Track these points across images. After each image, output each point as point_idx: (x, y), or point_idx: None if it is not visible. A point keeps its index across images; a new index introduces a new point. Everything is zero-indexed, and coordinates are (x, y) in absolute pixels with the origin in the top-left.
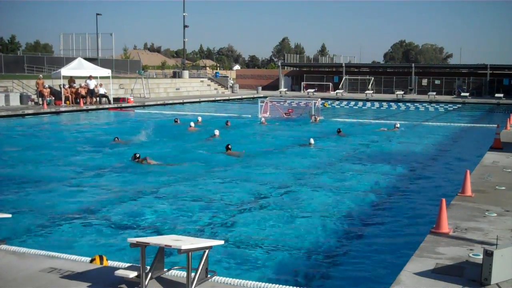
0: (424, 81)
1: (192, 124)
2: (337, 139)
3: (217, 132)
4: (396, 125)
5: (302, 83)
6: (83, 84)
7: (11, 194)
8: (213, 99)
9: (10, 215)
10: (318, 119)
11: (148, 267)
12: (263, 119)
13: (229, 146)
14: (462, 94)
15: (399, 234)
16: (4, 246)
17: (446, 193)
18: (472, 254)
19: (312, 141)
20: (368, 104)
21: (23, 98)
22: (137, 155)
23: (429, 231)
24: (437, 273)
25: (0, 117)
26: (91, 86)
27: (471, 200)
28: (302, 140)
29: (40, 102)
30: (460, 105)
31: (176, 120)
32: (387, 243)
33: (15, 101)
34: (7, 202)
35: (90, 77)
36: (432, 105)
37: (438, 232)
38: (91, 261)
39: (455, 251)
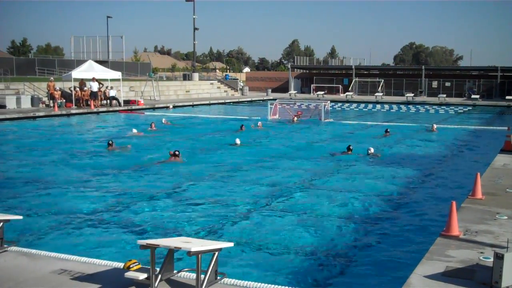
0: (434, 84)
1: (135, 130)
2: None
3: (238, 141)
4: (434, 127)
5: (311, 85)
6: (85, 88)
7: (22, 196)
8: (223, 101)
9: (21, 217)
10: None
11: (158, 269)
12: (259, 123)
13: (351, 147)
14: (473, 96)
15: (409, 236)
16: (15, 248)
17: (456, 196)
18: (483, 257)
19: (372, 150)
20: (378, 106)
21: (34, 101)
22: (176, 152)
23: (439, 234)
24: (447, 276)
25: (12, 119)
26: (94, 89)
27: (482, 202)
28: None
29: (51, 105)
30: (470, 108)
31: (152, 124)
32: (397, 246)
33: (26, 104)
34: (18, 204)
35: (93, 79)
36: (442, 107)
37: (448, 235)
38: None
39: (466, 254)
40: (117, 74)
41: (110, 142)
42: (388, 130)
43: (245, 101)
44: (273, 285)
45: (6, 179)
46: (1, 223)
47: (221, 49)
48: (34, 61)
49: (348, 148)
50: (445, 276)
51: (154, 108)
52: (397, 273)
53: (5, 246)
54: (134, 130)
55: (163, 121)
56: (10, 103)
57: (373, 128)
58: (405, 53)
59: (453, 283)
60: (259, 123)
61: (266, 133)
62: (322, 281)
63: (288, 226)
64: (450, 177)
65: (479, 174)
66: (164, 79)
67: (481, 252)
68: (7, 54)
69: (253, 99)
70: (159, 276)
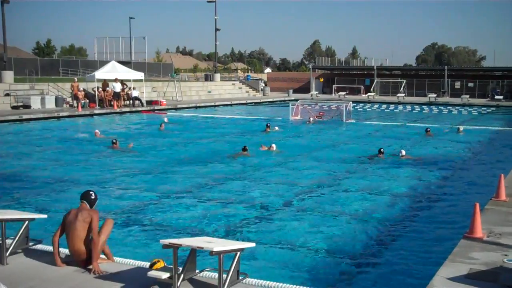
0: (457, 84)
1: (98, 131)
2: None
3: (274, 146)
4: (460, 129)
5: (333, 86)
6: (108, 88)
7: (47, 195)
8: (244, 102)
9: (46, 216)
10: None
11: (181, 269)
12: (268, 123)
13: (382, 150)
14: (496, 97)
15: (432, 238)
16: (40, 246)
17: (480, 198)
18: (507, 260)
19: (404, 152)
20: (400, 107)
21: (58, 101)
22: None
23: (463, 236)
24: (471, 278)
25: (37, 119)
26: (117, 89)
27: (506, 204)
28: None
29: (75, 105)
30: (494, 108)
31: (161, 125)
32: (420, 248)
33: (50, 104)
34: (42, 203)
35: (116, 80)
36: (465, 108)
37: (472, 237)
38: (152, 266)
39: (489, 256)
40: (140, 75)
41: (114, 140)
42: (429, 129)
43: (267, 101)
44: (295, 286)
45: (32, 178)
46: (27, 222)
47: (243, 49)
48: (58, 61)
49: (380, 151)
50: (469, 278)
51: (176, 109)
52: (420, 275)
53: (31, 244)
54: (97, 131)
55: (165, 120)
56: (35, 103)
57: (396, 129)
58: (428, 53)
59: (477, 285)
60: (269, 125)
61: (283, 134)
62: (343, 281)
63: (310, 227)
64: (474, 178)
65: (503, 175)
66: (187, 79)
67: (505, 255)
68: (32, 55)
69: (275, 99)
70: (182, 276)
